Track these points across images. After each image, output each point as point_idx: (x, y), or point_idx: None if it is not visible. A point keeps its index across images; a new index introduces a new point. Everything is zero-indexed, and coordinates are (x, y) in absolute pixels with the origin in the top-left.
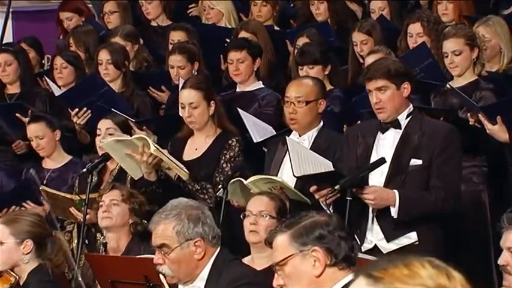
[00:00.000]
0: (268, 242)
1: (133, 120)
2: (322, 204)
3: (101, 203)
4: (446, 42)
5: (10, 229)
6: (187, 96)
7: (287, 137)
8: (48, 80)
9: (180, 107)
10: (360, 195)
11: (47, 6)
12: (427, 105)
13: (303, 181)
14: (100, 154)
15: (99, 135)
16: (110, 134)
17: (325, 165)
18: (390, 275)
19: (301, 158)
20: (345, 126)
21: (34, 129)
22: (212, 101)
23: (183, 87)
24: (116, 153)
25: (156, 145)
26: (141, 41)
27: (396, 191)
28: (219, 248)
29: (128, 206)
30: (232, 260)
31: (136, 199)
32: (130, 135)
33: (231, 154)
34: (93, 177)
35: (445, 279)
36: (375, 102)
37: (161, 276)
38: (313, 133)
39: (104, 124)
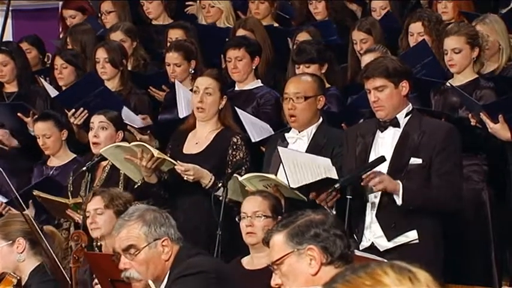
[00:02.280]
0: (265, 242)
1: (135, 127)
2: (324, 207)
3: (86, 213)
4: (448, 40)
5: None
6: (204, 81)
7: (279, 148)
8: (44, 82)
9: (193, 92)
10: (368, 181)
11: (47, 4)
12: (427, 104)
13: (301, 190)
14: (93, 150)
15: (91, 129)
16: (103, 128)
17: (323, 165)
18: (354, 287)
19: (297, 167)
20: (343, 125)
21: (42, 128)
22: (225, 96)
23: (200, 75)
24: (116, 159)
25: (156, 150)
26: (138, 40)
27: (399, 181)
28: (180, 245)
29: (113, 210)
30: (197, 254)
31: (119, 200)
32: (123, 131)
33: (241, 155)
34: (87, 174)
35: (408, 283)
36: (373, 101)
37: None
38: (312, 129)
39: (97, 119)
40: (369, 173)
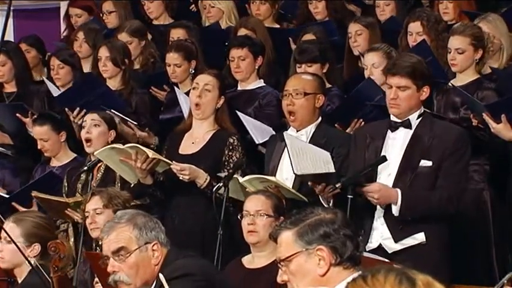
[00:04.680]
0: (273, 238)
1: (134, 122)
2: (322, 200)
3: (86, 213)
4: (452, 39)
5: (20, 230)
6: (204, 78)
7: (285, 133)
8: (48, 81)
9: (191, 89)
10: (365, 193)
11: (48, 4)
12: (430, 104)
13: (303, 179)
14: (86, 148)
15: (83, 127)
16: (96, 125)
17: (323, 158)
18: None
19: (300, 155)
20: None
21: (39, 132)
22: (223, 96)
23: (201, 73)
24: (110, 160)
25: (151, 151)
26: (150, 37)
27: (399, 190)
28: (168, 248)
29: (112, 209)
30: (184, 257)
31: (118, 200)
32: (116, 130)
33: (237, 156)
34: (82, 175)
35: None
36: (392, 97)
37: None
38: (311, 128)
39: (90, 117)
40: (368, 188)
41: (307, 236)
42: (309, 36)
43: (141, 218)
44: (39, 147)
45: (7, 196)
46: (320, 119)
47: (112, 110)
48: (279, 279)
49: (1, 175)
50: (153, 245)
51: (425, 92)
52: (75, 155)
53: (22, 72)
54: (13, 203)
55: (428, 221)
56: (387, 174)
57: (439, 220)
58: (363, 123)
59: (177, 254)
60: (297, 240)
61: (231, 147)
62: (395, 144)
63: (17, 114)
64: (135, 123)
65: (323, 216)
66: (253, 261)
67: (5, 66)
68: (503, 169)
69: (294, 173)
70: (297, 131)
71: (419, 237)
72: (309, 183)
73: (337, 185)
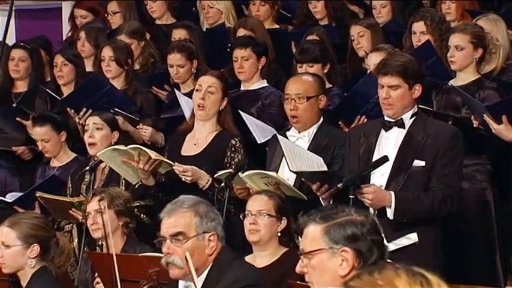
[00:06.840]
0: (299, 228)
1: (137, 119)
2: (321, 201)
3: (87, 213)
4: (453, 36)
5: (16, 232)
6: (208, 80)
7: (278, 136)
8: (50, 92)
9: (194, 90)
10: (359, 195)
11: (50, 4)
12: (429, 103)
13: (300, 177)
14: (89, 151)
15: (87, 131)
16: (98, 129)
17: (317, 163)
18: (368, 285)
19: (294, 155)
20: (340, 122)
21: (40, 133)
22: (226, 97)
23: (203, 74)
24: (113, 162)
25: (153, 152)
26: (148, 37)
27: (392, 192)
28: (223, 244)
29: (113, 210)
30: (234, 259)
31: (119, 200)
32: (119, 131)
33: (239, 157)
34: (86, 176)
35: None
36: (384, 97)
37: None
38: (313, 129)
39: (91, 120)
40: (363, 190)
41: (335, 235)
42: (312, 38)
43: (203, 206)
44: (40, 148)
45: (10, 201)
46: (321, 119)
47: (116, 109)
48: (297, 270)
49: (1, 175)
50: (210, 235)
51: (418, 90)
52: (75, 154)
53: (37, 72)
54: (15, 207)
55: (421, 221)
56: (381, 173)
57: (432, 220)
58: (365, 120)
59: (229, 254)
60: (323, 236)
61: (233, 149)
62: (389, 143)
63: (17, 119)
64: (137, 119)
65: (354, 218)
66: (255, 260)
67: (24, 63)
68: (505, 169)
69: (290, 170)
70: (299, 132)
71: (413, 237)
72: (303, 179)
73: (338, 185)
